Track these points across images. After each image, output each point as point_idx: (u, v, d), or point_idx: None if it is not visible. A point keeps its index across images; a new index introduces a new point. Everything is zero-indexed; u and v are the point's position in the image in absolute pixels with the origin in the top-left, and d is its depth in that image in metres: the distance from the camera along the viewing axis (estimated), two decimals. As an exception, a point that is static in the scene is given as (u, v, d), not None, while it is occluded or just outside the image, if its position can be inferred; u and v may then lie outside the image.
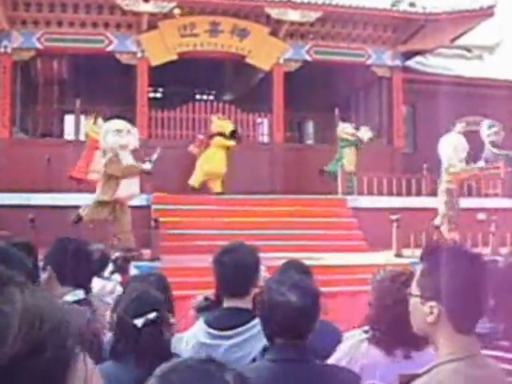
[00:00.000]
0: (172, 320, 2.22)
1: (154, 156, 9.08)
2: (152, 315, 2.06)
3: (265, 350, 2.02)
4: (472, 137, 16.54)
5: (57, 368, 0.71)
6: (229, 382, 0.88)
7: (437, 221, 10.70)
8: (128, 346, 2.08)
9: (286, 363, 1.89)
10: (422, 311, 1.57)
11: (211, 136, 12.88)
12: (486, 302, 1.57)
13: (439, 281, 1.53)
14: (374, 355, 2.19)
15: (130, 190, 8.85)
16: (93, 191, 9.27)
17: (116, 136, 8.68)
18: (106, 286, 4.66)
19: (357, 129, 13.68)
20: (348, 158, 13.13)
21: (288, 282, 1.98)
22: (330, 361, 2.28)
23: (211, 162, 12.62)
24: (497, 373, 1.54)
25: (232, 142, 12.80)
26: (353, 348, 2.27)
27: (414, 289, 1.61)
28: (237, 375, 0.91)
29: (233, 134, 12.93)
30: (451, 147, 10.64)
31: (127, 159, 8.73)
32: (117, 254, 5.76)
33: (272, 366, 1.91)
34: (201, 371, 0.90)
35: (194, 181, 12.74)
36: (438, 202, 10.80)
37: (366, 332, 2.26)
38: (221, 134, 12.80)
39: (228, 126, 13.01)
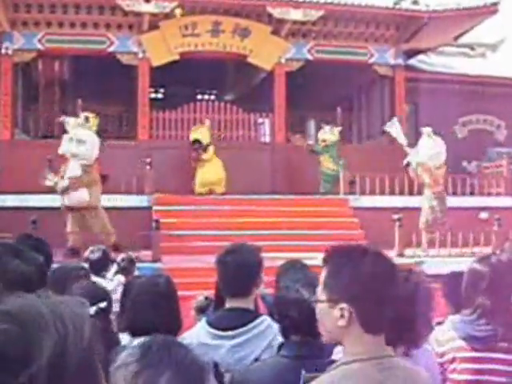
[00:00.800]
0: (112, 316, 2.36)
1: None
2: (103, 304, 2.20)
3: (281, 345, 2.04)
4: (478, 135, 16.58)
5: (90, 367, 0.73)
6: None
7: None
8: None
9: (297, 360, 1.91)
10: (331, 316, 1.52)
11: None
12: (396, 300, 1.56)
13: (347, 282, 1.51)
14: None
15: (77, 199, 9.32)
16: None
17: (68, 144, 9.26)
18: (107, 287, 4.65)
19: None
20: (325, 164, 13.21)
21: (303, 280, 2.01)
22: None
23: (203, 174, 12.68)
24: (402, 376, 1.51)
25: (205, 157, 12.73)
26: None
27: (321, 294, 1.56)
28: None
29: (194, 146, 12.82)
30: (420, 153, 11.12)
31: (74, 169, 9.24)
32: (122, 255, 5.76)
33: (285, 361, 1.94)
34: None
35: (198, 191, 12.74)
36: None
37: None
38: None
39: (193, 137, 12.98)
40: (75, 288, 2.32)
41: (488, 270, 2.39)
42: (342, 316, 1.50)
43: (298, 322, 1.94)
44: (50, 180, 9.53)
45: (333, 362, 2.00)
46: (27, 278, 1.63)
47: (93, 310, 2.15)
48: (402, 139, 11.71)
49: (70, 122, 9.75)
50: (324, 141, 13.36)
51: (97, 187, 9.64)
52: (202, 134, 12.96)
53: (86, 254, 5.09)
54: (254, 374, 2.00)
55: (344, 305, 1.49)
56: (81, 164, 9.27)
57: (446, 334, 2.37)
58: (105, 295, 2.31)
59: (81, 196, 9.30)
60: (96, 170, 9.91)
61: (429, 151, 10.95)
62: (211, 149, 12.86)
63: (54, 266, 3.50)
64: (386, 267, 1.55)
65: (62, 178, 9.42)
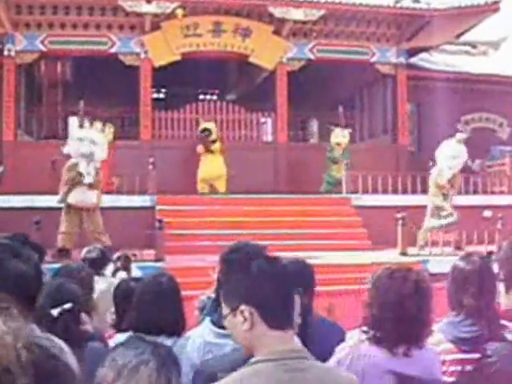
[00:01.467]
0: (84, 315, 2.42)
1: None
2: (67, 305, 2.25)
3: None
4: (481, 133, 16.55)
5: None
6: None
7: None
8: None
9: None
10: (236, 324, 1.59)
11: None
12: (292, 294, 1.64)
13: (238, 285, 1.59)
14: (374, 355, 2.16)
15: (82, 197, 9.19)
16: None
17: (78, 144, 9.10)
18: (113, 284, 4.66)
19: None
20: (336, 168, 13.15)
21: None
22: (331, 362, 2.26)
23: (204, 168, 12.75)
24: (311, 377, 1.55)
25: (212, 147, 12.81)
26: (353, 349, 2.25)
27: (224, 309, 1.64)
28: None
29: (203, 133, 12.97)
30: (443, 155, 10.87)
31: (86, 169, 9.11)
32: (118, 254, 5.79)
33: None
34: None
35: (200, 189, 12.76)
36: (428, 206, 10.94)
37: (364, 332, 2.23)
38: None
39: (202, 126, 13.16)
40: (45, 288, 2.39)
41: (472, 269, 2.38)
42: (245, 319, 1.55)
43: None
44: (89, 175, 9.28)
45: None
46: (25, 278, 1.64)
47: (56, 311, 2.21)
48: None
49: (95, 132, 9.69)
50: (339, 144, 13.25)
51: (100, 189, 9.64)
52: (211, 126, 13.16)
53: (83, 253, 5.11)
54: (213, 365, 2.03)
55: (243, 307, 1.56)
56: (94, 166, 9.23)
57: (435, 337, 2.37)
58: (71, 296, 2.37)
59: (89, 197, 9.21)
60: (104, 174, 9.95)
61: (454, 154, 10.79)
62: (217, 145, 12.94)
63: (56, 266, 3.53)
64: (273, 265, 1.63)
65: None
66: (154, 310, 2.46)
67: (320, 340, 2.47)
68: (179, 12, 13.03)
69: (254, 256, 2.05)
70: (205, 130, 13.05)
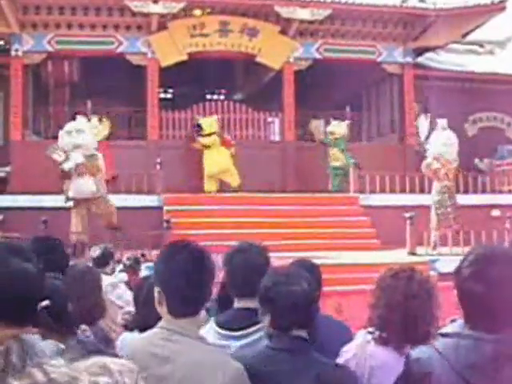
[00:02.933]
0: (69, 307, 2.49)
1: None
2: (44, 303, 2.29)
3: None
4: (488, 133, 16.49)
5: None
6: None
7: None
8: None
9: (280, 352, 1.95)
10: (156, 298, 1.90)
11: None
12: (206, 289, 1.89)
13: (158, 270, 1.92)
14: (381, 356, 2.16)
15: (82, 188, 9.34)
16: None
17: (67, 137, 9.38)
18: (107, 280, 4.63)
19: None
20: (333, 156, 13.21)
21: (294, 275, 2.07)
22: (337, 362, 2.25)
23: (208, 163, 12.71)
24: (164, 344, 1.82)
25: (203, 141, 12.85)
26: (359, 350, 2.24)
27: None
28: None
29: (194, 129, 13.09)
30: (432, 143, 11.06)
31: (77, 159, 9.30)
32: (128, 255, 5.84)
33: (271, 352, 1.98)
34: None
35: (207, 187, 12.74)
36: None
37: (370, 333, 2.22)
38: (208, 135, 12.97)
39: (197, 122, 13.25)
40: None
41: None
42: (157, 297, 1.88)
43: (274, 315, 2.02)
44: (59, 155, 9.51)
45: (323, 362, 1.99)
46: (22, 277, 1.63)
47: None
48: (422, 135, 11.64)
49: (81, 122, 9.78)
50: (332, 133, 13.39)
51: (101, 176, 9.62)
52: (206, 121, 13.13)
53: (90, 252, 5.21)
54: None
55: (157, 288, 1.89)
56: (83, 154, 9.33)
57: None
58: (49, 293, 2.43)
59: (86, 185, 9.28)
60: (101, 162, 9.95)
61: (444, 141, 10.83)
62: (215, 138, 12.91)
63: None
64: (194, 263, 1.85)
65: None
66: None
67: (327, 340, 2.46)
68: (197, 12, 13.18)
69: (255, 256, 2.08)
70: (197, 125, 13.12)
